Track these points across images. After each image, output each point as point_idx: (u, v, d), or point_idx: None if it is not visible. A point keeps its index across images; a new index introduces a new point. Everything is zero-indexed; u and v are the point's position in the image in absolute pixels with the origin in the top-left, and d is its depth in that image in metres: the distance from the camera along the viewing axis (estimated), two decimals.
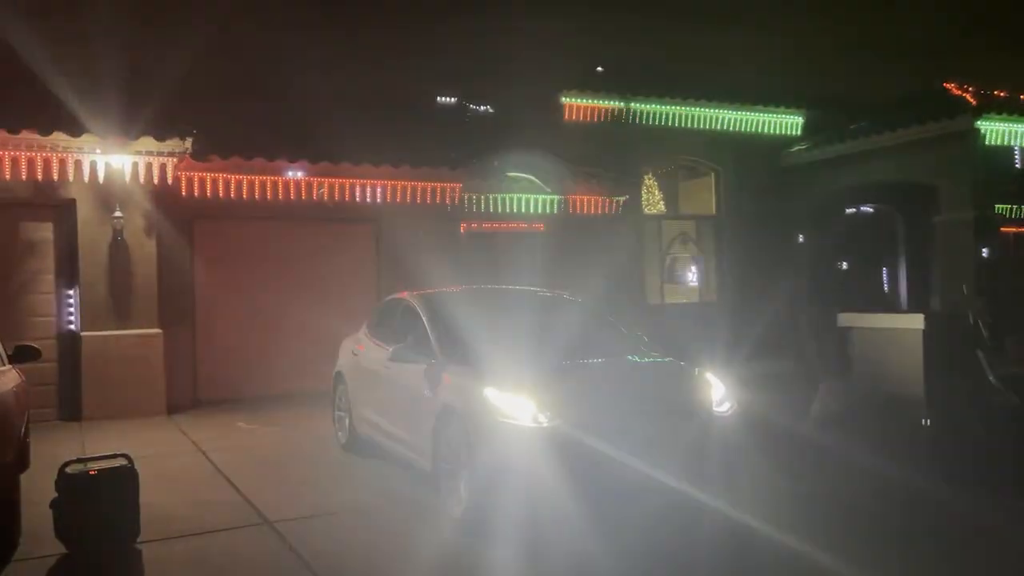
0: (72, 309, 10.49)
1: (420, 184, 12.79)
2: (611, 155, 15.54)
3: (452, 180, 13.08)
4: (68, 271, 10.51)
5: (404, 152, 13.10)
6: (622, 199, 15.34)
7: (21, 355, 6.73)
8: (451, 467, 5.45)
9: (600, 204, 15.03)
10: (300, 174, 11.80)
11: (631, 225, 15.82)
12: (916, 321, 5.98)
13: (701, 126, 16.83)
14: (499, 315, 6.53)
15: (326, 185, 12.08)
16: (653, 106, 16.43)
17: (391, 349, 6.48)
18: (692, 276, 17.72)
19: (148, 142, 10.38)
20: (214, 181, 11.35)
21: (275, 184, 11.69)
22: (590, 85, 16.17)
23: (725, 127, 17.05)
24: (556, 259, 14.43)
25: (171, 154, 10.53)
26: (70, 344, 10.40)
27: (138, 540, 5.09)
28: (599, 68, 17.41)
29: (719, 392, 5.61)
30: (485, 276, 13.48)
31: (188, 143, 10.59)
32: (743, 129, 17.23)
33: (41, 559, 4.90)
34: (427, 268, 12.25)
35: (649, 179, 17.52)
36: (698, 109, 16.83)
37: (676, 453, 5.06)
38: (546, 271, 14.49)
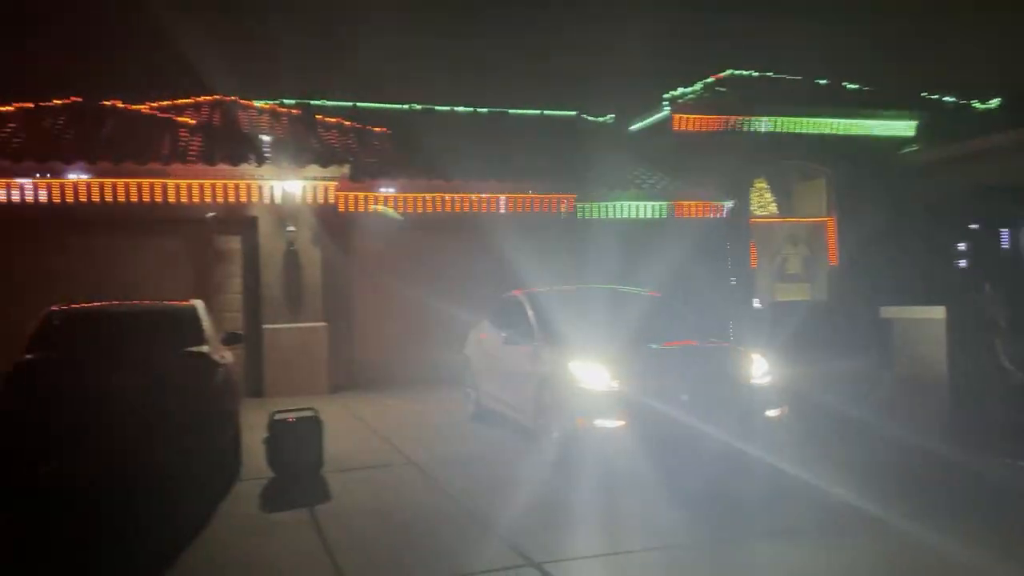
0: (255, 306, 12.88)
1: (539, 196, 14.44)
2: (719, 162, 16.62)
3: (567, 191, 14.68)
4: (252, 275, 12.91)
5: (524, 165, 14.84)
6: (729, 203, 16.43)
7: (231, 340, 8.94)
8: (547, 423, 7.15)
9: (708, 209, 16.21)
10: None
11: (739, 228, 16.90)
12: (939, 312, 7.09)
13: (811, 131, 17.61)
14: (589, 308, 8.19)
15: (457, 199, 13.98)
16: (761, 116, 17.34)
17: (505, 335, 8.26)
18: (802, 275, 18.51)
19: (314, 169, 12.62)
20: (366, 199, 13.51)
21: (415, 200, 13.72)
22: (697, 96, 17.36)
23: (835, 131, 17.75)
24: (667, 260, 15.77)
25: (332, 178, 12.74)
26: (254, 334, 12.78)
27: (322, 470, 7.07)
28: (707, 80, 18.51)
29: (761, 368, 7.02)
30: (597, 277, 15.09)
31: (346, 168, 12.78)
32: (853, 132, 17.86)
33: (257, 480, 6.93)
34: (547, 269, 13.97)
35: (760, 183, 18.46)
36: (807, 118, 17.58)
37: (717, 412, 6.52)
38: (658, 272, 15.91)
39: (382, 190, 13.51)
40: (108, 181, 11.70)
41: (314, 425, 7.07)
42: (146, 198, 11.91)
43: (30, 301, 7.86)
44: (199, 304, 7.84)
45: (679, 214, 15.88)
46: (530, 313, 8.12)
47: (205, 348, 6.76)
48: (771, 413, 6.83)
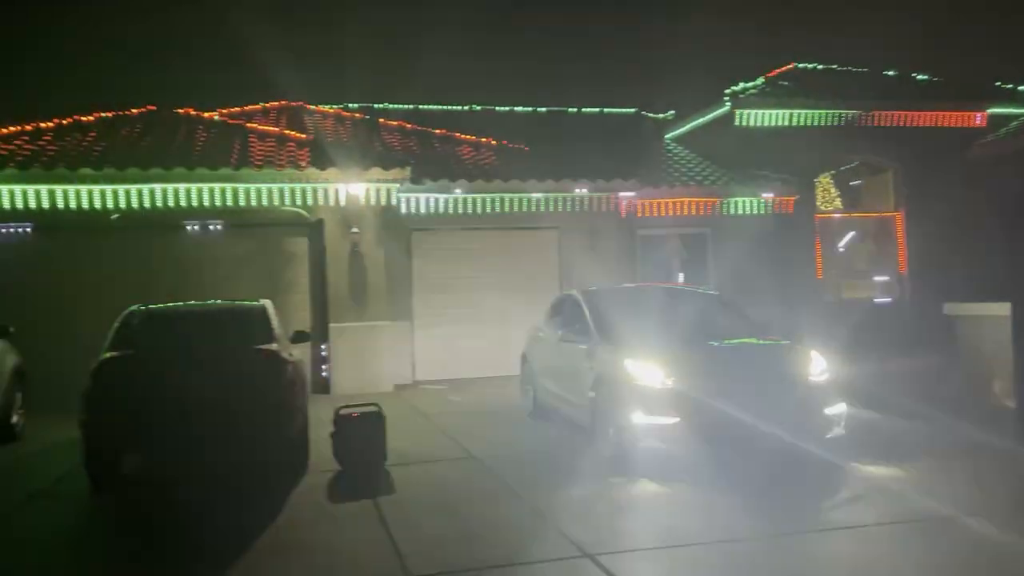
0: (323, 305, 13.26)
1: (595, 195, 14.51)
2: (782, 157, 16.43)
3: (625, 189, 14.71)
4: (319, 275, 13.31)
5: (582, 164, 14.90)
6: (792, 199, 16.24)
7: (298, 338, 9.27)
8: (603, 420, 7.26)
9: (770, 205, 16.06)
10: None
11: (804, 224, 16.68)
12: (1003, 309, 6.95)
13: (878, 124, 17.26)
14: (645, 306, 8.27)
15: (516, 199, 14.15)
16: (823, 109, 17.07)
17: (561, 333, 8.39)
18: (869, 272, 18.13)
19: (377, 172, 12.96)
20: (427, 200, 13.81)
21: (474, 200, 13.96)
22: (759, 90, 17.18)
23: (904, 124, 17.35)
24: (726, 258, 15.70)
25: (394, 180, 13.06)
26: (322, 333, 13.17)
27: (385, 463, 7.31)
28: (770, 74, 18.27)
29: (819, 366, 7.01)
30: (656, 275, 15.10)
31: (407, 171, 13.09)
32: (923, 124, 17.44)
33: (324, 472, 7.22)
34: (603, 267, 14.06)
35: (825, 179, 18.18)
36: (874, 111, 17.22)
37: (772, 409, 6.53)
38: (716, 269, 15.85)
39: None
40: (183, 186, 12.24)
41: (377, 420, 7.32)
42: (218, 203, 12.41)
43: (113, 303, 8.26)
44: (268, 304, 8.19)
45: (742, 211, 15.78)
46: (586, 311, 8.25)
47: (274, 346, 7.08)
48: (829, 411, 6.81)
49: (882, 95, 17.45)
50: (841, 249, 17.98)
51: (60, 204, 11.84)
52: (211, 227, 12.66)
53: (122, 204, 12.04)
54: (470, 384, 13.03)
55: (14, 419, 9.24)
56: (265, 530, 5.61)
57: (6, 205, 11.70)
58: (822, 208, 17.86)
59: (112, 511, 6.58)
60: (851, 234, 18.09)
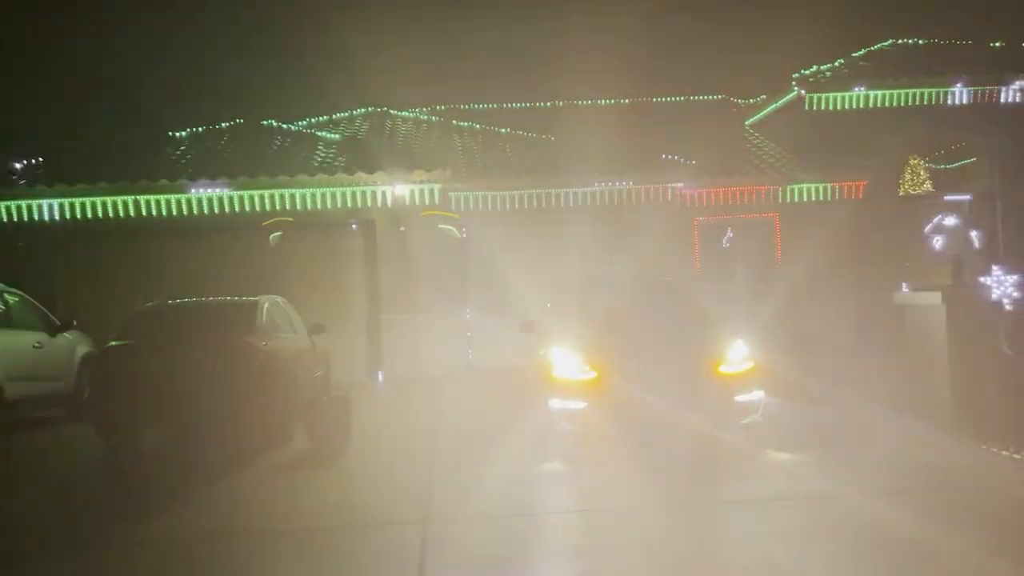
0: (376, 298, 14.31)
1: (648, 187, 14.69)
2: (861, 141, 15.87)
3: (675, 179, 14.78)
4: (372, 271, 14.37)
5: (631, 155, 15.08)
6: (862, 184, 15.71)
7: (315, 329, 10.29)
8: (538, 403, 7.73)
9: (840, 191, 15.64)
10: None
11: (881, 210, 16.03)
12: (935, 298, 6.77)
13: (967, 101, 16.30)
14: (597, 297, 8.63)
15: (565, 194, 14.61)
16: (905, 89, 16.31)
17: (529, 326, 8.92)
18: (962, 259, 17.11)
19: (421, 174, 13.84)
20: (473, 199, 14.54)
21: (522, 197, 14.56)
22: (832, 75, 16.62)
23: (996, 100, 16.29)
24: (794, 247, 15.39)
25: (436, 181, 13.89)
26: (374, 324, 14.23)
27: (352, 441, 8.14)
28: (858, 52, 17.62)
29: (739, 354, 7.15)
30: (715, 264, 15.10)
31: (449, 172, 13.89)
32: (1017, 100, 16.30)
33: (296, 449, 8.11)
34: (657, 259, 14.21)
35: (915, 160, 17.32)
36: (955, 87, 16.29)
37: (683, 395, 6.77)
38: (783, 258, 15.58)
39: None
40: (247, 193, 13.62)
41: (342, 405, 8.16)
42: (279, 207, 13.72)
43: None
44: (263, 299, 9.13)
45: (806, 197, 15.48)
46: (548, 304, 8.73)
47: (250, 337, 8.05)
48: (743, 398, 6.96)
49: (971, 70, 16.39)
50: (927, 234, 17.10)
51: (144, 213, 13.50)
52: (275, 230, 13.97)
53: (195, 211, 13.55)
54: (515, 371, 13.58)
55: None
56: (201, 492, 6.56)
57: (100, 215, 13.46)
58: (908, 192, 17.04)
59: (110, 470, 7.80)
60: (938, 218, 17.14)
